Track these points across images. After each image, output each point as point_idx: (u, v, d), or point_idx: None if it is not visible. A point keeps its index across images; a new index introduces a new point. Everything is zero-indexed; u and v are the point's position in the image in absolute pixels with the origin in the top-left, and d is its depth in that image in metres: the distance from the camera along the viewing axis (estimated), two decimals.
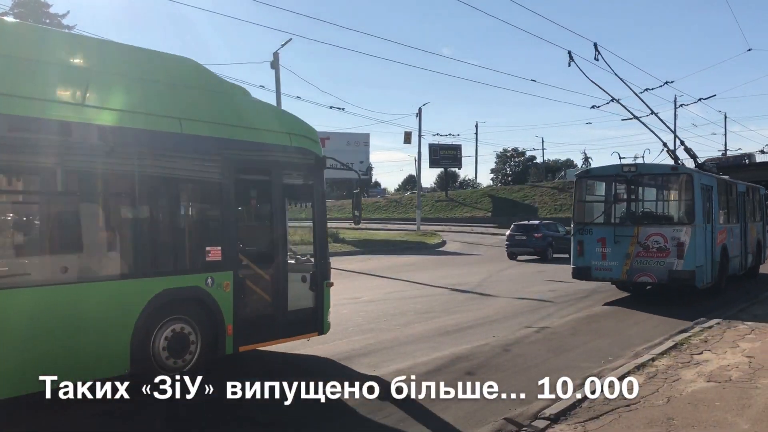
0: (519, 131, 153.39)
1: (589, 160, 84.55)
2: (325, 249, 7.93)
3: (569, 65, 14.06)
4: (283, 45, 22.07)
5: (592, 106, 24.69)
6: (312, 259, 7.79)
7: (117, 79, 6.13)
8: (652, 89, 21.69)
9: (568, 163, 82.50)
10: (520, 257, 24.36)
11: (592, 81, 14.88)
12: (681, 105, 37.41)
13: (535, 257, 24.41)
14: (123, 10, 65.61)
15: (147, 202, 6.23)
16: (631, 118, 18.12)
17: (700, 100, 23.53)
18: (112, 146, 5.87)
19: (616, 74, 15.13)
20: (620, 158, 15.03)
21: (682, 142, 16.44)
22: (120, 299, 5.89)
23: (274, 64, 22.30)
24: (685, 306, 12.08)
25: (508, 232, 25.26)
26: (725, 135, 66.43)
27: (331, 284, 7.86)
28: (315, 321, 7.62)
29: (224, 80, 7.57)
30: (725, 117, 65.62)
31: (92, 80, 5.88)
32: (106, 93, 6.00)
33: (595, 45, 14.11)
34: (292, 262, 7.87)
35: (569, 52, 14.02)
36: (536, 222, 26.43)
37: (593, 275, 12.71)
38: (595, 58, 14.25)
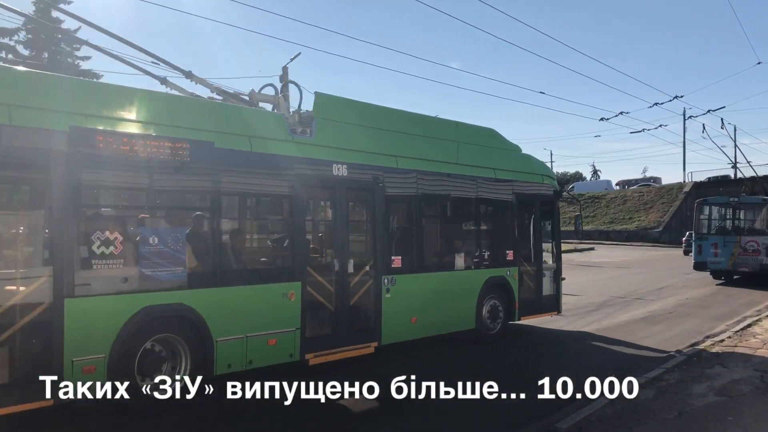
0: (528, 143, 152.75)
1: (598, 173, 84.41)
2: (560, 253, 11.40)
3: (703, 133, 22.49)
4: (292, 59, 22.10)
5: (601, 119, 24.76)
6: (550, 261, 11.15)
7: (468, 147, 9.66)
8: (662, 104, 21.74)
9: (577, 176, 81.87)
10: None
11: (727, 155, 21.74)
12: (690, 117, 37.30)
13: None
14: (131, 22, 66.41)
15: (483, 222, 10.05)
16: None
17: (709, 111, 23.55)
18: (471, 189, 9.52)
19: (736, 144, 23.47)
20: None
21: (760, 178, 22.91)
22: (472, 282, 9.47)
23: (283, 78, 22.38)
24: (701, 317, 12.04)
25: (684, 239, 33.06)
26: (735, 148, 65.97)
27: (564, 279, 11.32)
28: (556, 304, 11.10)
29: (507, 140, 10.85)
30: (735, 129, 65.23)
31: (460, 148, 9.47)
32: (466, 155, 9.52)
33: (722, 120, 20.75)
34: (542, 262, 11.00)
35: (703, 125, 20.61)
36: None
37: (708, 267, 19.25)
38: (720, 127, 21.43)
